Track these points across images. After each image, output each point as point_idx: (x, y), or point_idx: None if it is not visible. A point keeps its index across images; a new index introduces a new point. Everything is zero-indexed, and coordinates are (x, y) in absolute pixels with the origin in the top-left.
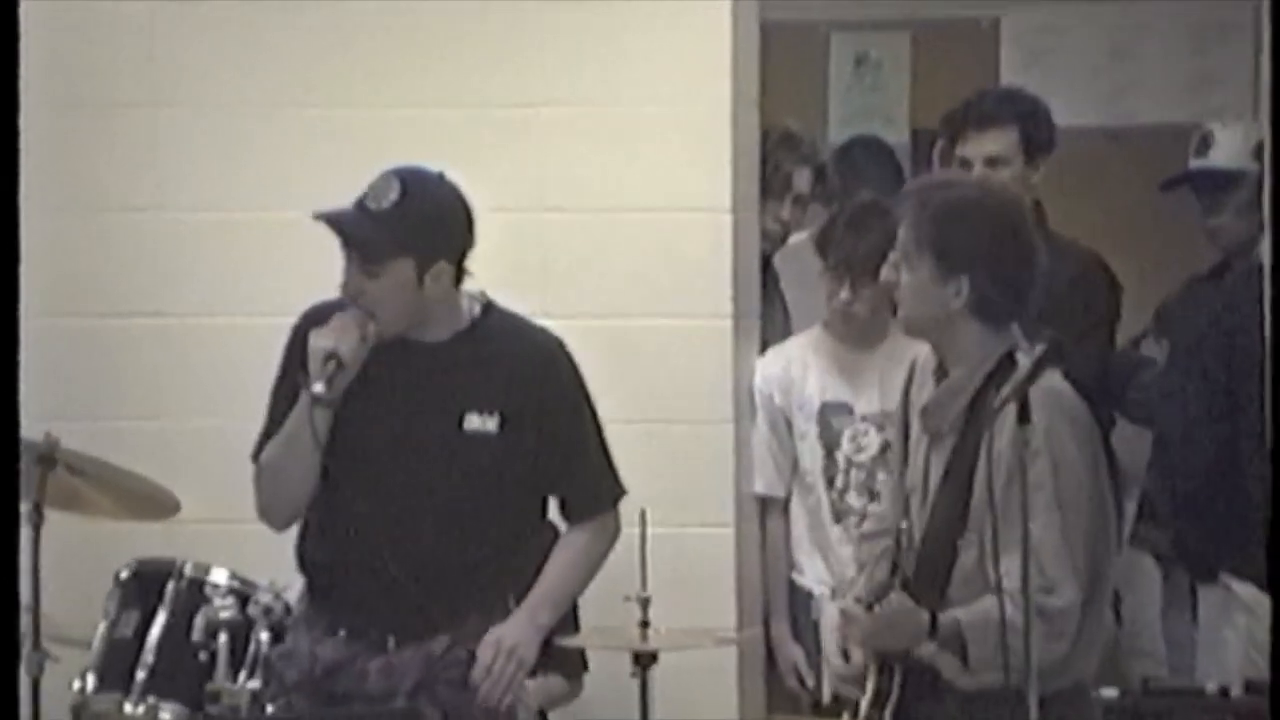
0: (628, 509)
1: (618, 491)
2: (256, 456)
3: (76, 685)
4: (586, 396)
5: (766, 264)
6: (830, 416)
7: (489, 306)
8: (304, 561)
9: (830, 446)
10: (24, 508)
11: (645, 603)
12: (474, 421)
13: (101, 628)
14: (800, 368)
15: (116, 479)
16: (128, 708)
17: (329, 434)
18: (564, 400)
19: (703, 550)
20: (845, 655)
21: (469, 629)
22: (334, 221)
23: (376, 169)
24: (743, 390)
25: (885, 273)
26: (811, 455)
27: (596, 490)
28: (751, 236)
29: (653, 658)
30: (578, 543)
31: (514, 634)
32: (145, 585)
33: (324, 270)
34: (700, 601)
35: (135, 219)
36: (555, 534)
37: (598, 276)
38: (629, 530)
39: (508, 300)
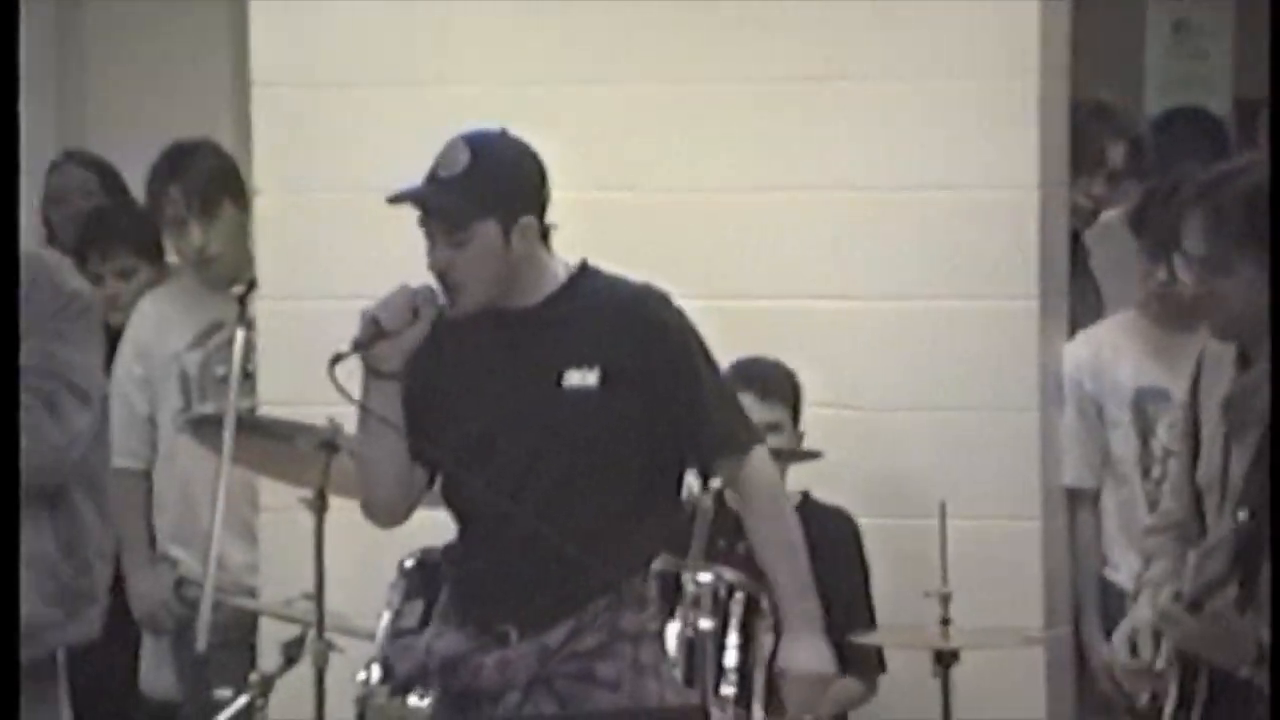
0: (928, 501)
1: (752, 435)
2: None
3: (361, 676)
4: (701, 344)
5: (1076, 242)
6: (1145, 403)
7: (584, 267)
8: (445, 552)
9: (1145, 435)
10: (308, 494)
11: (946, 599)
12: (573, 378)
13: (385, 618)
14: (1112, 351)
15: None
16: (413, 700)
17: (401, 413)
18: (675, 350)
19: (1007, 544)
20: (1133, 649)
21: (592, 617)
22: (414, 197)
23: (642, 149)
24: (1050, 375)
25: (1195, 286)
26: (1125, 444)
27: (728, 436)
28: (1060, 213)
29: (954, 657)
30: (762, 520)
31: (803, 659)
32: (430, 575)
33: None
34: (1005, 598)
35: (365, 200)
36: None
37: (895, 257)
38: (928, 523)
39: (798, 281)
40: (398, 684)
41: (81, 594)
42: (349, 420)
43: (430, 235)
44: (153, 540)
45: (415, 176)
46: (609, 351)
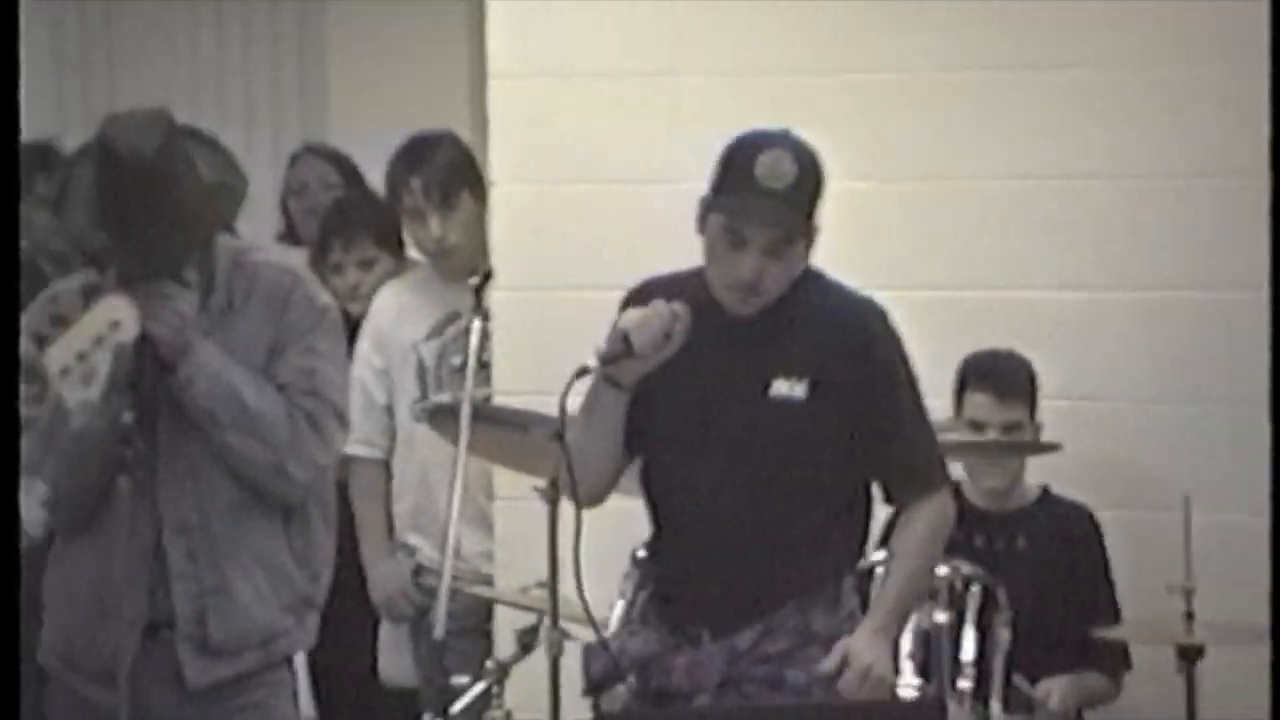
0: (1172, 493)
1: (941, 474)
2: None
3: None
4: (908, 370)
5: None
6: None
7: (807, 271)
8: (649, 550)
9: None
10: (542, 483)
11: (1190, 594)
12: (781, 387)
13: (619, 608)
14: None
15: None
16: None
17: (624, 417)
18: (881, 370)
19: (1253, 539)
20: None
21: (782, 620)
22: (762, 213)
23: (874, 138)
24: None
25: None
26: None
27: (918, 469)
28: None
29: (1199, 652)
30: (914, 537)
31: (868, 652)
32: None
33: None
34: (1250, 593)
35: (606, 191)
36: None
37: (1134, 245)
38: (1172, 516)
39: (1039, 272)
40: (591, 684)
41: (308, 602)
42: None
43: (738, 243)
44: (391, 528)
45: (651, 166)
46: (821, 364)
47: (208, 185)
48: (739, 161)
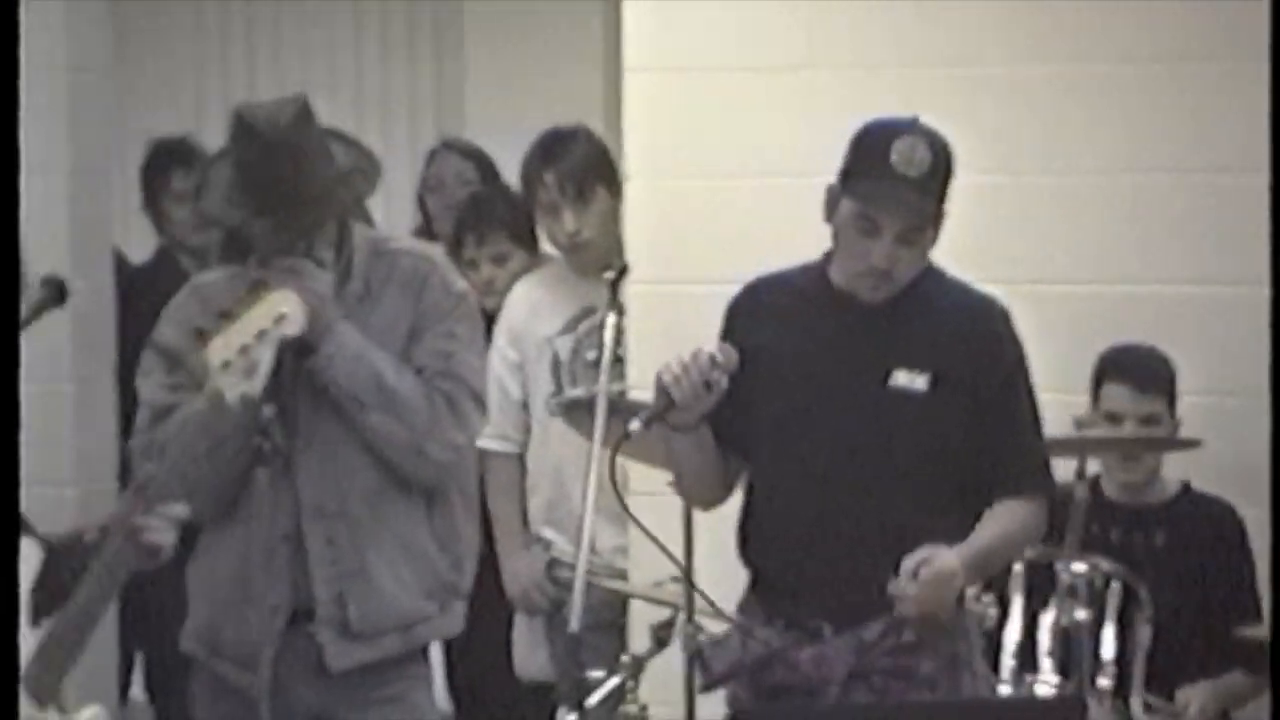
0: None
1: (1044, 483)
2: None
3: None
4: (1027, 374)
5: None
6: None
7: (930, 269)
8: (744, 546)
9: None
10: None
11: None
12: (901, 379)
13: None
14: None
15: None
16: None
17: (705, 443)
18: (1003, 370)
19: None
20: None
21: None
22: (897, 200)
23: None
24: None
25: None
26: None
27: (1021, 471)
28: None
29: None
30: (994, 521)
31: (951, 559)
32: None
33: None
34: None
35: (740, 185)
36: None
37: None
38: None
39: (1177, 265)
40: (712, 681)
41: (452, 589)
42: None
43: (872, 230)
44: (525, 523)
45: (784, 160)
46: (943, 358)
47: (341, 166)
48: (873, 148)
